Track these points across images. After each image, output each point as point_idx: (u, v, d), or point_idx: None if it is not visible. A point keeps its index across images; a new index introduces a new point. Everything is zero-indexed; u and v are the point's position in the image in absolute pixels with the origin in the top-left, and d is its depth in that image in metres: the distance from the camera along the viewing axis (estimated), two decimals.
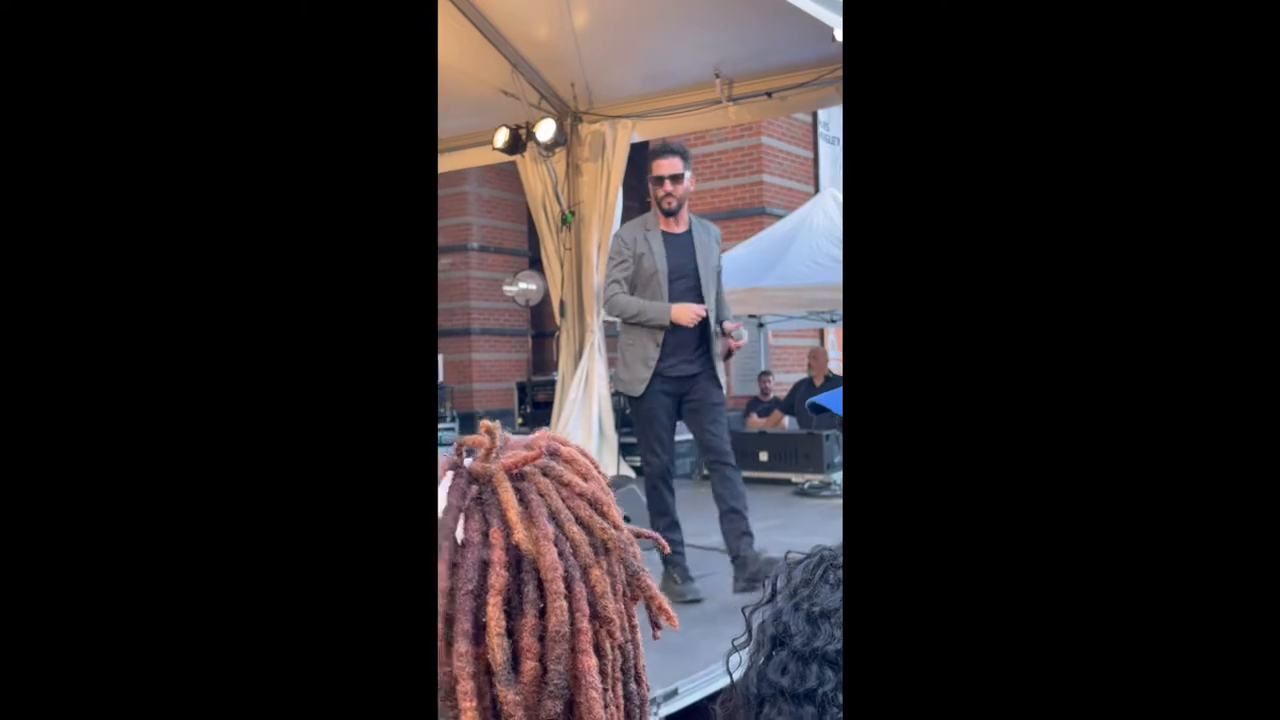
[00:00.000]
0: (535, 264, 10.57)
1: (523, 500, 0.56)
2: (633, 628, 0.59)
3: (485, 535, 0.55)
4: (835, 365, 7.97)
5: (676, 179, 3.45)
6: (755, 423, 7.89)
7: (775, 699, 0.58)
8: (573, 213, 5.18)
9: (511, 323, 11.82)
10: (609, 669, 0.56)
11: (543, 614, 0.54)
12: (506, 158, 5.31)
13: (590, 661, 0.54)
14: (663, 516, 3.43)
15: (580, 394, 4.96)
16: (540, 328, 11.47)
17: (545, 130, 4.98)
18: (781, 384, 8.57)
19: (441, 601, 0.52)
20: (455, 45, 4.80)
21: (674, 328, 3.42)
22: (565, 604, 0.53)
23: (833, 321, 8.55)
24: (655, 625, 0.62)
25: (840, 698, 0.56)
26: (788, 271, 7.04)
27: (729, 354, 3.57)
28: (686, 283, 3.49)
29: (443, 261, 11.52)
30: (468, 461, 0.60)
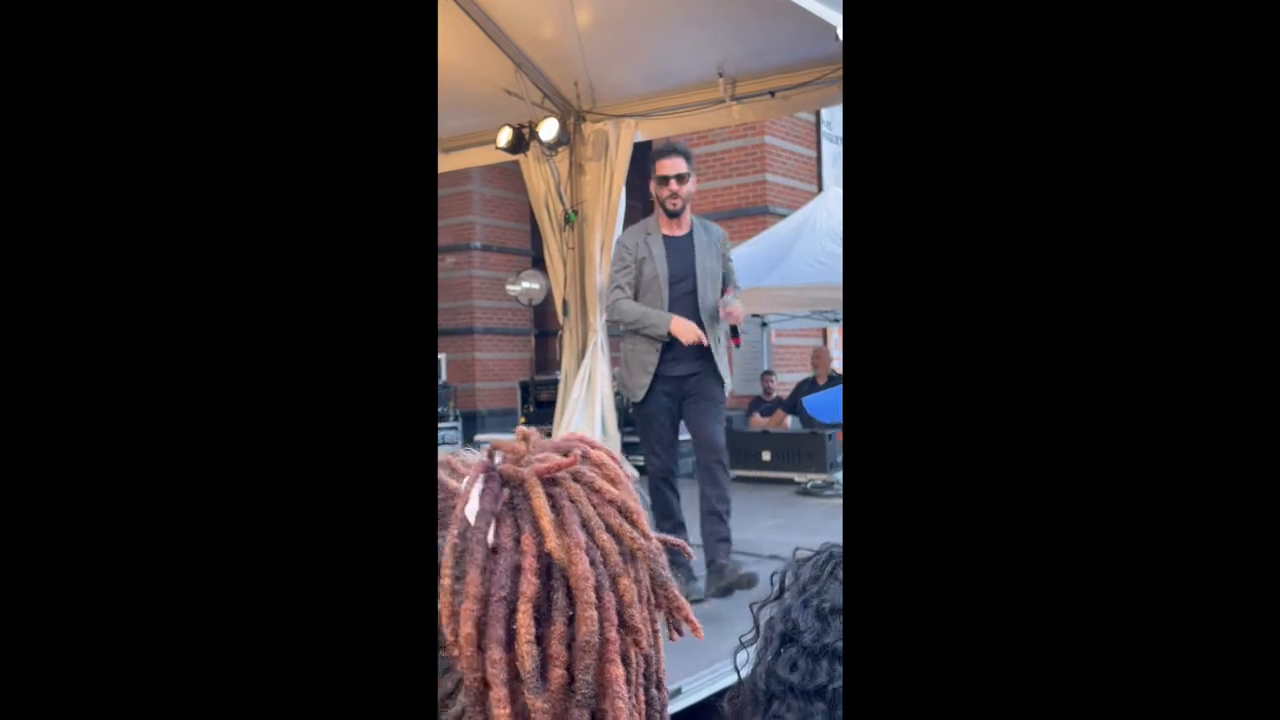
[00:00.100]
0: (538, 263, 10.56)
1: (554, 506, 0.56)
2: (655, 634, 0.59)
3: (517, 541, 0.55)
4: (838, 365, 7.96)
5: (681, 179, 3.45)
6: (758, 422, 7.89)
7: (785, 696, 0.58)
8: (576, 212, 5.17)
9: (514, 322, 11.82)
10: (633, 676, 0.56)
11: (571, 622, 0.53)
12: (509, 157, 5.30)
13: (617, 671, 0.54)
14: (667, 519, 3.43)
15: (583, 393, 4.96)
16: (543, 327, 11.47)
17: (548, 129, 4.97)
18: (784, 383, 8.56)
19: (473, 607, 0.52)
20: (458, 44, 4.79)
21: (673, 337, 3.43)
22: (595, 614, 0.53)
23: (836, 321, 8.55)
24: (676, 630, 0.62)
25: None
26: (791, 271, 7.04)
27: (735, 332, 3.52)
28: (685, 286, 3.49)
29: (446, 260, 11.52)
30: (499, 463, 0.59)
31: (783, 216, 8.74)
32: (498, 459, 0.60)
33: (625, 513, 0.58)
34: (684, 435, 3.59)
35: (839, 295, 6.52)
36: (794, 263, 7.11)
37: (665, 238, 3.53)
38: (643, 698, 0.57)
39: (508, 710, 0.51)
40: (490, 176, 11.36)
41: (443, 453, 0.64)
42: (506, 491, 0.57)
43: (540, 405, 8.22)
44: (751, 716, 0.60)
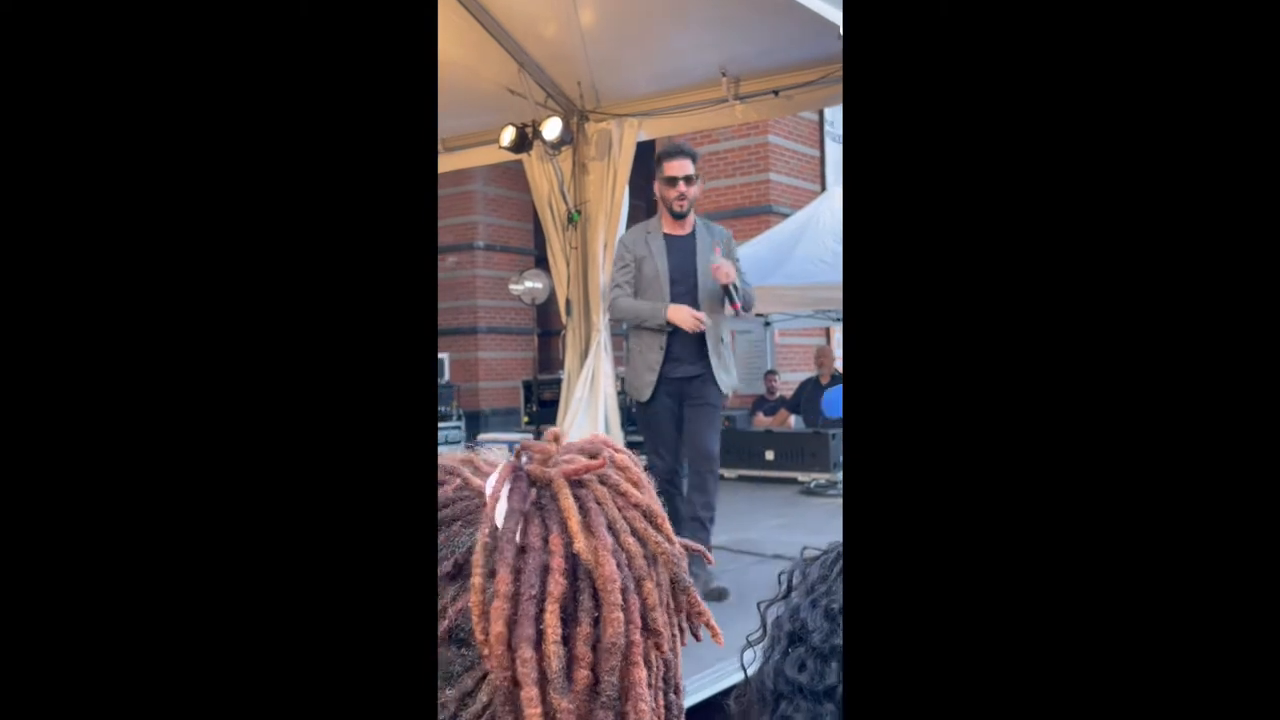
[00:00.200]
0: (541, 262, 10.55)
1: (581, 508, 0.56)
2: (675, 639, 0.59)
3: (545, 541, 0.55)
4: (841, 364, 7.96)
5: (689, 180, 3.45)
6: (761, 421, 7.89)
7: (793, 696, 0.58)
8: (579, 211, 5.18)
9: (517, 321, 11.83)
10: (654, 680, 0.56)
11: (596, 623, 0.54)
12: (513, 156, 5.31)
13: (641, 673, 0.54)
14: (671, 521, 3.42)
15: (586, 392, 4.96)
16: (546, 326, 11.48)
17: (552, 129, 4.97)
18: (788, 383, 8.56)
19: (503, 605, 0.52)
20: (461, 43, 4.80)
21: (676, 330, 3.42)
22: (621, 615, 0.53)
23: (839, 320, 8.54)
24: (694, 634, 0.62)
25: None
26: (794, 270, 7.04)
27: (732, 296, 3.43)
28: (685, 285, 3.49)
29: (449, 260, 11.54)
30: (526, 464, 0.59)
31: (786, 216, 8.74)
32: (525, 460, 0.60)
33: (649, 516, 0.59)
34: None
35: (842, 294, 6.51)
36: (797, 262, 7.12)
37: (666, 237, 3.53)
38: (662, 702, 0.57)
39: (539, 710, 0.51)
40: (493, 176, 11.37)
41: (464, 453, 0.64)
42: (534, 492, 0.58)
43: (543, 405, 8.22)
44: (759, 716, 0.60)
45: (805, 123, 10.05)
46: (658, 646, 0.56)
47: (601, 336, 5.01)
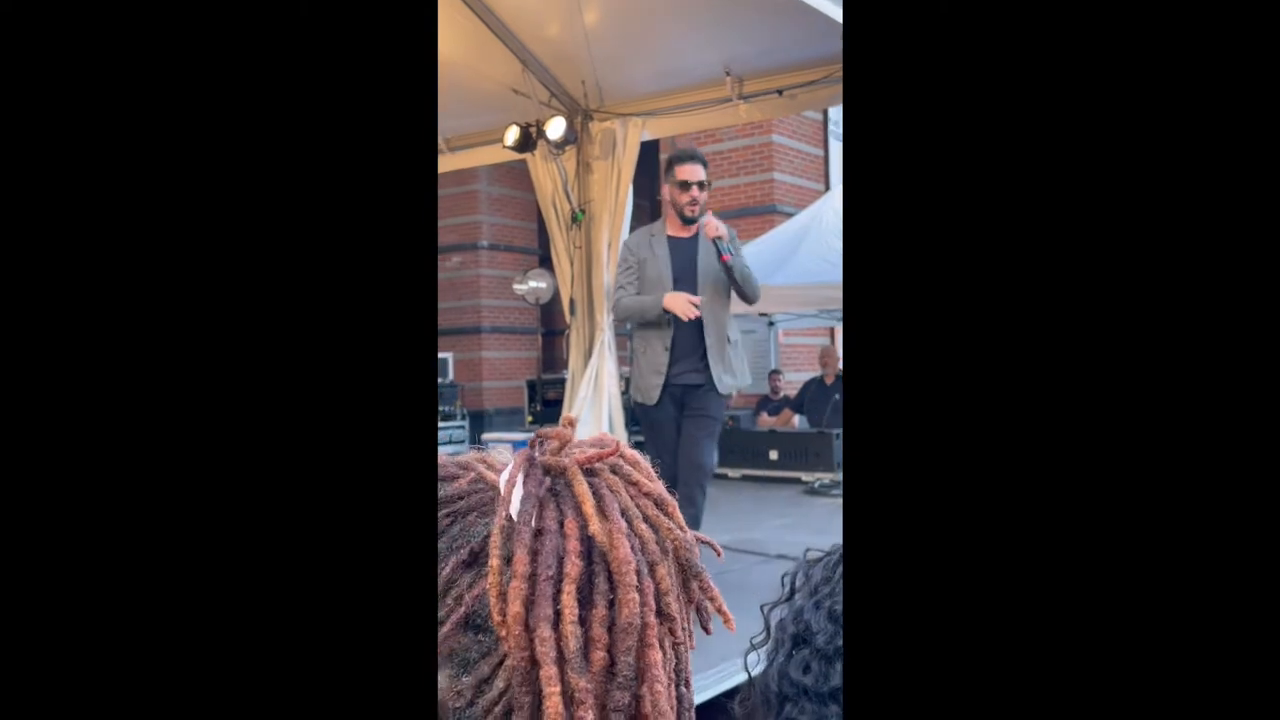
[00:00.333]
0: (545, 262, 10.57)
1: (595, 495, 0.57)
2: (686, 630, 0.60)
3: (560, 525, 0.56)
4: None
5: (702, 185, 3.46)
6: (765, 421, 7.89)
7: (798, 698, 0.57)
8: (583, 211, 5.18)
9: (521, 321, 11.84)
10: (667, 667, 0.56)
11: (612, 605, 0.54)
12: (517, 156, 5.31)
13: (656, 655, 0.54)
14: None
15: (590, 392, 4.96)
16: (550, 326, 11.48)
17: (555, 128, 4.97)
18: (792, 382, 8.56)
19: (521, 586, 0.53)
20: (465, 43, 4.80)
21: (678, 331, 3.42)
22: (636, 596, 0.54)
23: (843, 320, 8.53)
24: (705, 628, 0.62)
25: None
26: (798, 270, 7.04)
27: (718, 249, 3.40)
28: (687, 286, 3.49)
29: (453, 259, 11.55)
30: (539, 455, 0.60)
31: (790, 215, 8.74)
32: (540, 449, 0.60)
33: (661, 504, 0.60)
34: None
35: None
36: (801, 261, 7.11)
37: (670, 239, 3.54)
38: (674, 693, 0.57)
39: (558, 689, 0.51)
40: (497, 175, 11.38)
41: (477, 452, 0.65)
42: (549, 480, 0.58)
43: (547, 404, 8.23)
44: (764, 718, 0.60)
45: (809, 122, 10.04)
46: (671, 631, 0.57)
47: (606, 336, 5.01)
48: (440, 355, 9.51)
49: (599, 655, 0.53)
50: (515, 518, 0.55)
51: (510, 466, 0.59)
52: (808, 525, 4.91)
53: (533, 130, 5.10)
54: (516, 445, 0.65)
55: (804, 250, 7.24)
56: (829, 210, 7.57)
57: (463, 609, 0.55)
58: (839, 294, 6.82)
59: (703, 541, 0.65)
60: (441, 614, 0.56)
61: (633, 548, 0.56)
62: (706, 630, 0.62)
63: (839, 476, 6.21)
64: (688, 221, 3.49)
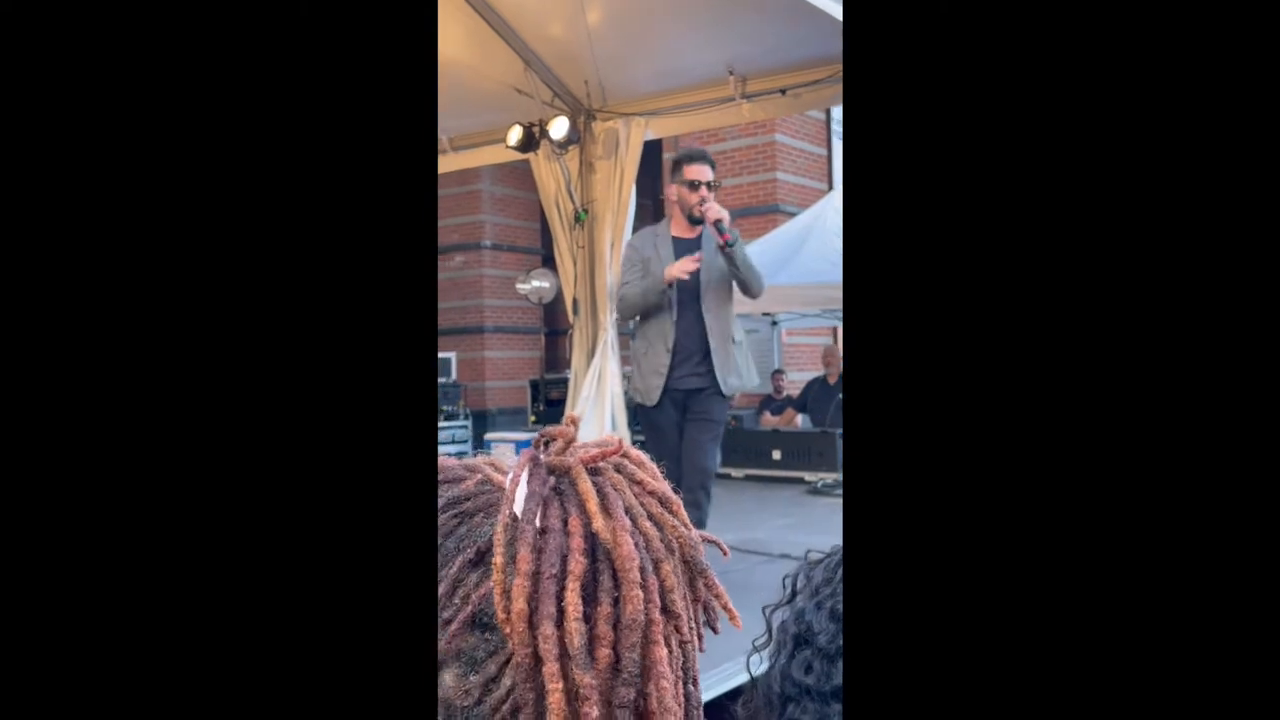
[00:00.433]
0: (548, 262, 10.57)
1: (599, 493, 0.57)
2: (693, 629, 0.60)
3: (564, 523, 0.56)
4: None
5: (711, 185, 3.46)
6: (768, 421, 7.89)
7: (800, 698, 0.58)
8: (586, 210, 5.18)
9: (524, 320, 11.84)
10: (673, 666, 0.56)
11: (616, 603, 0.54)
12: (520, 155, 5.31)
13: (661, 652, 0.54)
14: None
15: (593, 392, 4.96)
16: (553, 325, 11.49)
17: (558, 128, 4.97)
18: (795, 382, 8.56)
19: (525, 583, 0.53)
20: (468, 43, 4.80)
21: (681, 332, 3.42)
22: (640, 593, 0.54)
23: None
24: (713, 627, 0.62)
25: None
26: (801, 269, 7.03)
27: (718, 229, 3.39)
28: (690, 286, 3.49)
29: (456, 259, 11.55)
30: (544, 455, 0.60)
31: (793, 215, 8.74)
32: (544, 449, 0.61)
33: (665, 502, 0.60)
34: None
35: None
36: (804, 261, 7.11)
37: (674, 239, 3.53)
38: (681, 691, 0.57)
39: (560, 685, 0.51)
40: (500, 175, 11.38)
41: (486, 455, 0.65)
42: (553, 479, 0.58)
43: (550, 404, 8.23)
44: (767, 719, 0.60)
45: (812, 121, 10.04)
46: (677, 629, 0.57)
47: (608, 336, 5.01)
48: (443, 355, 9.51)
49: (604, 652, 0.53)
50: (519, 516, 0.55)
51: (515, 466, 0.59)
52: (810, 525, 4.91)
53: (536, 130, 5.10)
54: (519, 445, 0.65)
55: (807, 250, 7.23)
56: (832, 210, 7.57)
57: (470, 608, 0.56)
58: (842, 293, 6.81)
59: (708, 540, 0.65)
60: (449, 613, 0.56)
61: (637, 545, 0.56)
62: (714, 629, 0.62)
63: (842, 476, 6.21)
64: (694, 221, 3.49)
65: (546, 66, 5.07)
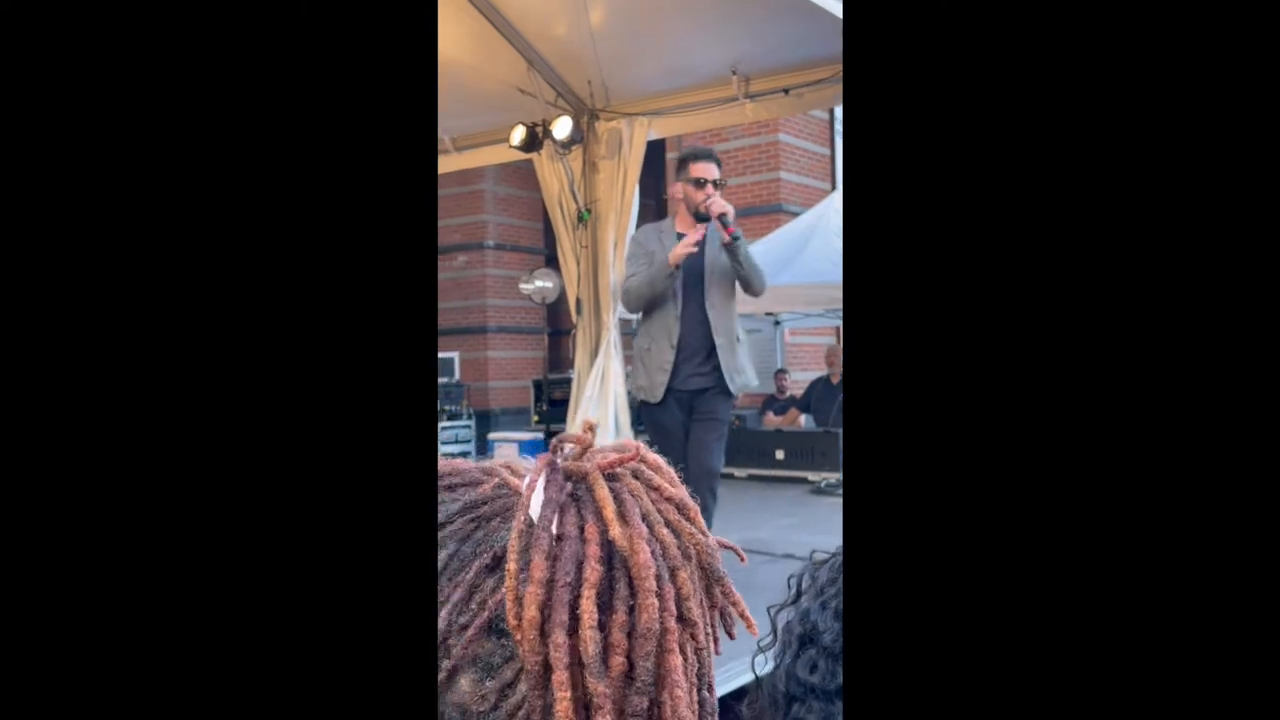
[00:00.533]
0: (551, 262, 10.58)
1: (616, 500, 0.57)
2: (709, 636, 0.60)
3: (580, 530, 0.55)
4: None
5: (717, 183, 3.46)
6: (771, 421, 7.89)
7: (806, 697, 0.58)
8: (589, 210, 5.18)
9: (528, 320, 11.85)
10: (689, 672, 0.56)
11: (632, 611, 0.54)
12: (523, 155, 5.31)
13: (676, 660, 0.54)
14: None
15: (596, 392, 4.96)
16: (556, 325, 11.49)
17: (562, 128, 4.97)
18: (798, 382, 8.56)
19: (537, 591, 0.53)
20: (471, 43, 4.80)
21: (685, 330, 3.42)
22: (656, 601, 0.54)
23: None
24: (729, 632, 0.62)
25: None
26: (804, 269, 7.03)
27: (722, 223, 3.39)
28: (693, 282, 3.49)
29: (459, 259, 11.56)
30: (560, 460, 0.60)
31: (796, 214, 8.73)
32: (561, 455, 0.60)
33: (682, 509, 0.59)
34: None
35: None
36: (807, 261, 7.11)
37: (679, 236, 3.54)
38: (695, 697, 0.57)
39: (569, 694, 0.51)
40: (503, 175, 11.39)
41: (502, 459, 0.65)
42: (569, 485, 0.58)
43: (553, 404, 8.23)
44: (772, 719, 0.60)
45: (815, 121, 10.03)
46: (693, 636, 0.56)
47: (611, 335, 5.01)
48: (446, 355, 9.52)
49: (618, 660, 0.53)
50: (535, 522, 0.55)
51: (531, 471, 0.59)
52: (814, 525, 4.91)
53: (539, 130, 5.10)
54: (522, 445, 0.65)
55: (810, 249, 7.23)
56: (835, 210, 7.57)
57: (486, 613, 0.55)
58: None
59: (726, 546, 0.65)
60: (465, 619, 0.56)
61: (654, 553, 0.55)
62: (730, 635, 0.62)
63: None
64: (700, 218, 3.49)
65: (549, 66, 5.07)
